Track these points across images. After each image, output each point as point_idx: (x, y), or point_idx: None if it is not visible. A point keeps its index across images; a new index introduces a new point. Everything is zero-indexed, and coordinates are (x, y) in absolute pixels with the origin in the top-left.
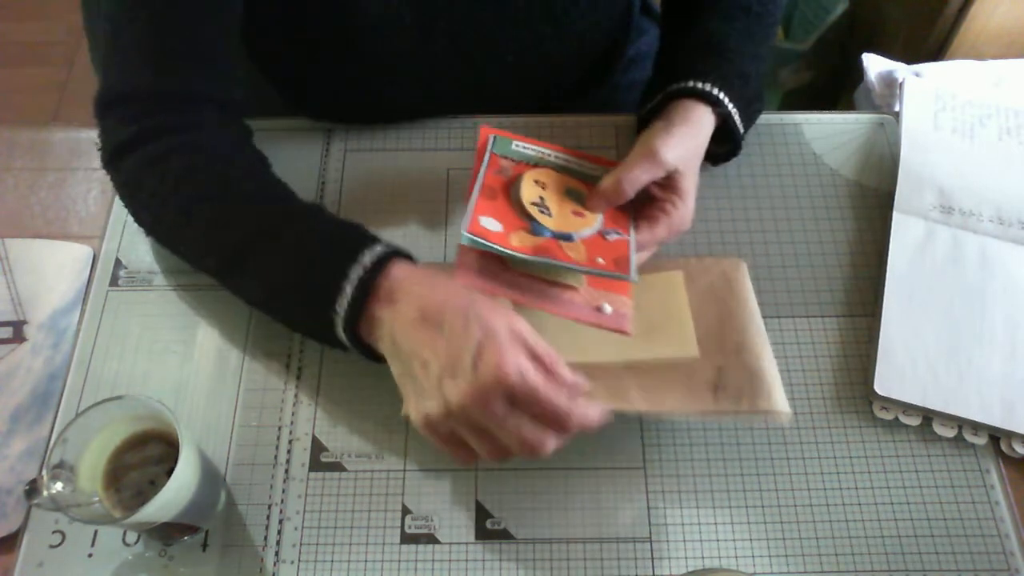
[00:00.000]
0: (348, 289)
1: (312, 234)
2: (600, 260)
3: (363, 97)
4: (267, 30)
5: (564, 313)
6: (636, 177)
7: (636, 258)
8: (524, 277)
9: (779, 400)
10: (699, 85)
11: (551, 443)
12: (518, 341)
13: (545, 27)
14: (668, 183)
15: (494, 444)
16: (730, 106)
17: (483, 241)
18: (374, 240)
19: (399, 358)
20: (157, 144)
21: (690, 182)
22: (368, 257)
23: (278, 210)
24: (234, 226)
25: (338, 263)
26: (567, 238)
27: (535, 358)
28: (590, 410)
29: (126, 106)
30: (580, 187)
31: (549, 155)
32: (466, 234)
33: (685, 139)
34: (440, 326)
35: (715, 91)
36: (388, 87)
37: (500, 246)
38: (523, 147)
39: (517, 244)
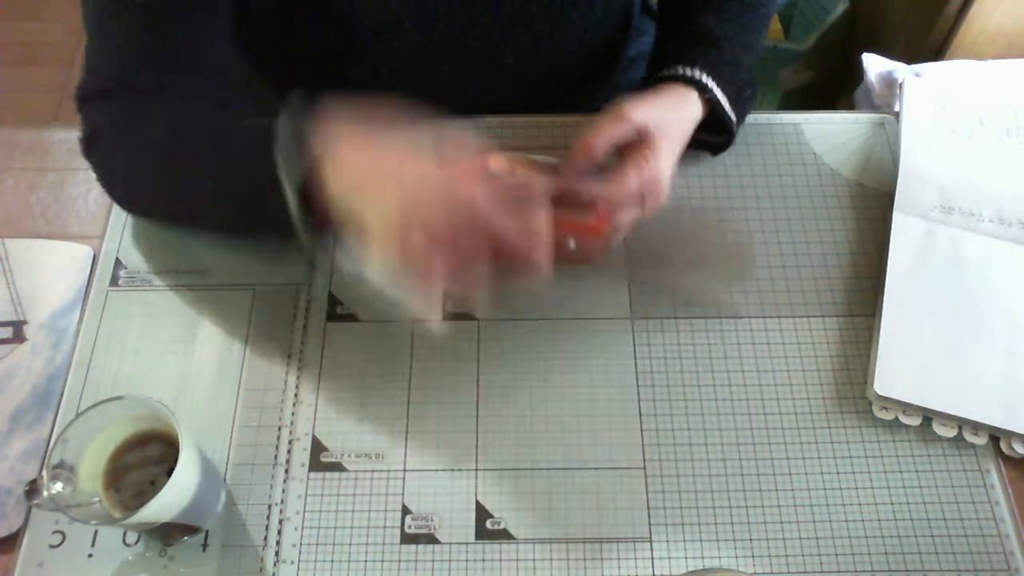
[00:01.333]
0: (285, 128)
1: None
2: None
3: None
4: (266, 34)
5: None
6: (602, 132)
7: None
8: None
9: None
10: (686, 71)
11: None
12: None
13: (544, 27)
14: (640, 141)
15: (470, 249)
16: (718, 91)
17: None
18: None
19: (348, 168)
20: (126, 103)
21: (664, 143)
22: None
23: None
24: (197, 138)
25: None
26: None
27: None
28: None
29: (104, 97)
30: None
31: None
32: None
33: (658, 106)
34: (393, 134)
35: (702, 77)
36: (387, 89)
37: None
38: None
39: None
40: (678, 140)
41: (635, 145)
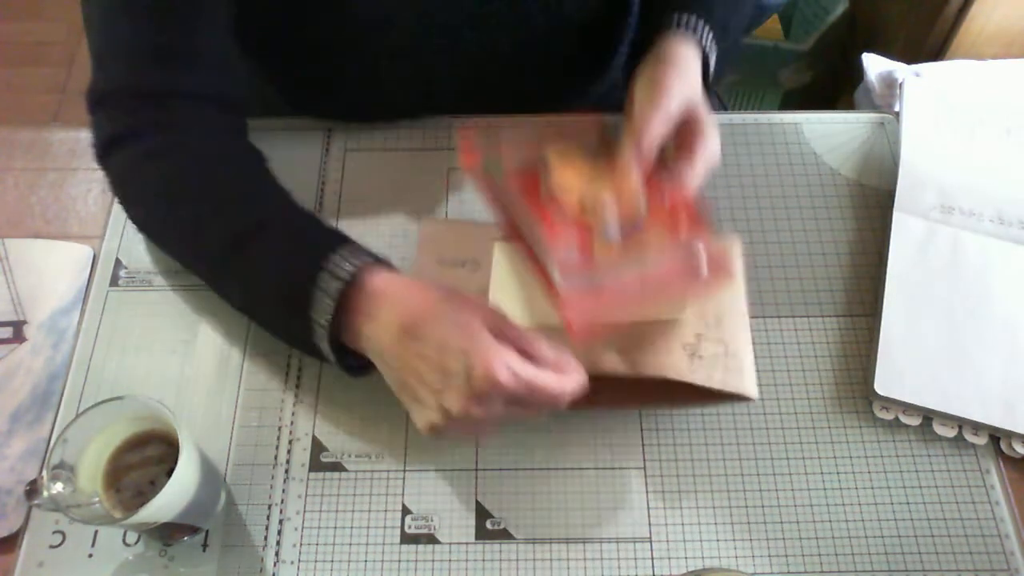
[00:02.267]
0: (325, 301)
1: (289, 242)
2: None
3: (361, 94)
4: (264, 27)
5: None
6: (653, 132)
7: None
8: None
9: (750, 385)
10: (683, 18)
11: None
12: (500, 337)
13: (539, 19)
14: (686, 120)
15: (496, 427)
16: (709, 41)
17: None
18: (346, 247)
19: (391, 372)
20: (145, 143)
21: (704, 110)
22: (344, 268)
23: (260, 215)
24: (214, 233)
25: (311, 273)
26: (635, 226)
27: (518, 347)
28: (577, 381)
29: (116, 102)
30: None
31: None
32: (561, 283)
33: (680, 76)
34: (423, 339)
35: (698, 26)
36: (386, 82)
37: (595, 275)
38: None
39: (604, 260)
40: (701, 93)
41: (682, 125)
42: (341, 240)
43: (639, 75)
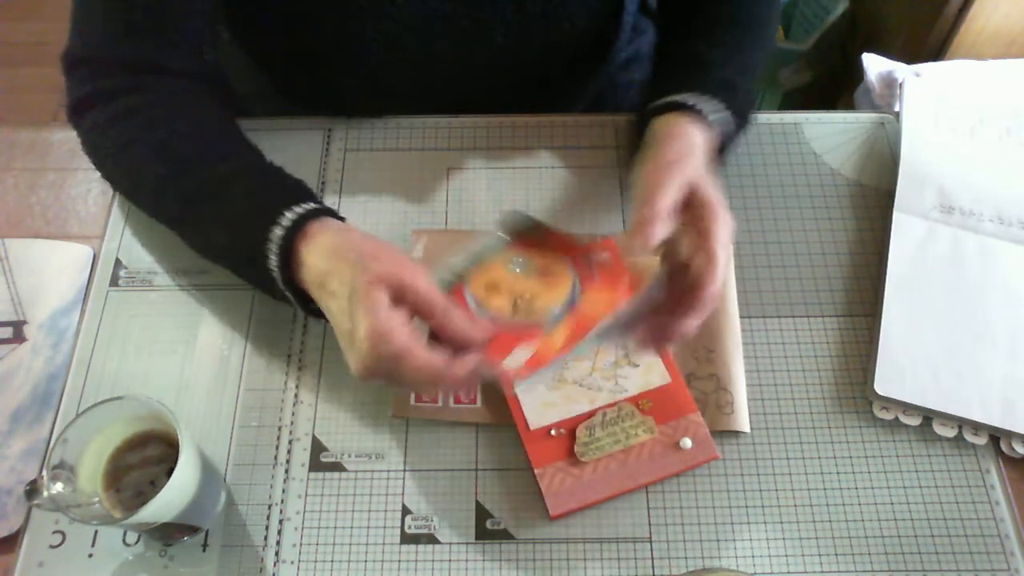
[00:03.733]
0: (272, 248)
1: (246, 198)
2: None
3: (359, 88)
4: (261, 12)
5: (655, 479)
6: (661, 209)
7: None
8: (598, 470)
9: (739, 421)
10: (677, 98)
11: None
12: (398, 302)
13: (534, 7)
14: (693, 201)
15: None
16: (712, 115)
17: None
18: (299, 201)
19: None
20: (112, 105)
21: (715, 195)
22: (287, 217)
23: (219, 173)
24: (170, 194)
25: (263, 225)
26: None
27: (421, 312)
28: (464, 368)
29: (88, 67)
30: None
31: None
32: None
33: (684, 156)
34: (332, 293)
35: (697, 104)
36: (382, 68)
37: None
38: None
39: (551, 353)
40: (705, 167)
41: (693, 208)
42: (296, 194)
43: (641, 159)
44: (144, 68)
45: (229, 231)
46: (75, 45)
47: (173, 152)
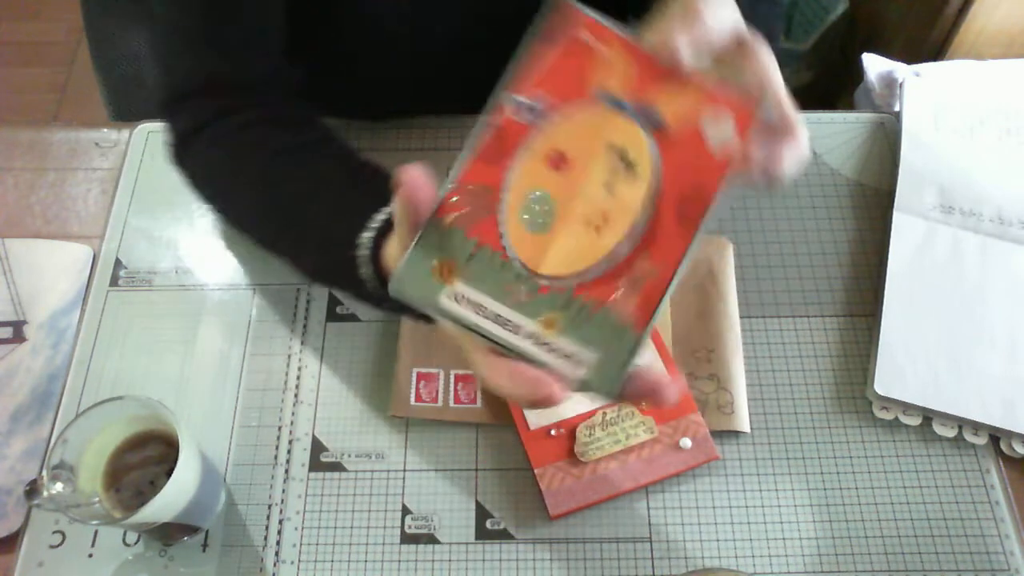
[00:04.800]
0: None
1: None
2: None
3: (357, 88)
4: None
5: (655, 479)
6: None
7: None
8: (595, 471)
9: (739, 421)
10: None
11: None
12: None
13: None
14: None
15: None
16: None
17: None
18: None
19: None
20: (208, 133)
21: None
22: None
23: (301, 201)
24: (259, 221)
25: (350, 254)
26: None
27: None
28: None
29: (190, 101)
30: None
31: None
32: None
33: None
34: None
35: None
36: (381, 68)
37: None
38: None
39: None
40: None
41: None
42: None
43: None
44: (242, 86)
45: (314, 259)
46: (169, 86)
47: (264, 179)
